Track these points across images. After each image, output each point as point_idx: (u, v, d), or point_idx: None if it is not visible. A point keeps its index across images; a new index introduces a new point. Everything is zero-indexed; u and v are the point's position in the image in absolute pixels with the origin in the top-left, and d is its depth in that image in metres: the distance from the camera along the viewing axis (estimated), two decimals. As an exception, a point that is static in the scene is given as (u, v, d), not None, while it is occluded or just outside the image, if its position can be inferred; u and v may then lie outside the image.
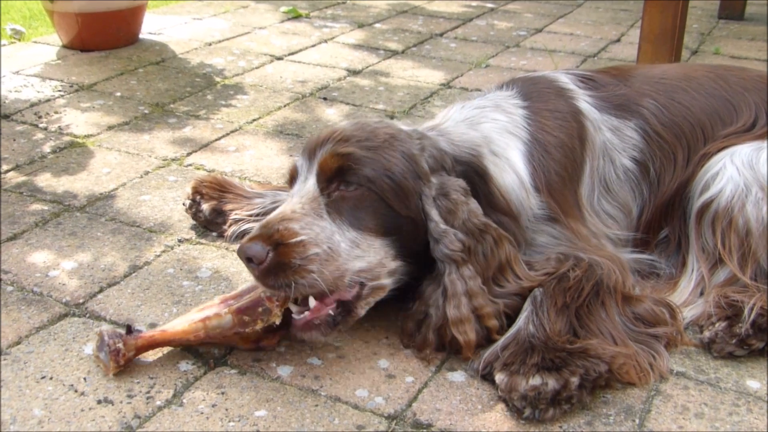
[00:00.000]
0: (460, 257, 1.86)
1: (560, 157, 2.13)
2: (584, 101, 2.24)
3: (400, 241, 1.89)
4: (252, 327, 1.81)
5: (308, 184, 1.89)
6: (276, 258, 1.74)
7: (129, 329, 1.79)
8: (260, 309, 1.81)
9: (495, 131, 2.12)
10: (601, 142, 2.20)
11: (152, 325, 1.98)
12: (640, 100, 2.26)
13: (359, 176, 1.84)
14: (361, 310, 1.88)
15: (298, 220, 1.80)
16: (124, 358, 1.77)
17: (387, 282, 1.90)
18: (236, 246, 2.36)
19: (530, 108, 2.18)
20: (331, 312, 1.82)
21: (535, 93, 2.23)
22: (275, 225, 1.79)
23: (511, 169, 2.06)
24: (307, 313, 1.82)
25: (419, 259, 1.93)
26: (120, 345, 1.75)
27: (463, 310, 1.83)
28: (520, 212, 2.03)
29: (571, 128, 2.17)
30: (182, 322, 1.84)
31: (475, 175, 2.01)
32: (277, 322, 1.82)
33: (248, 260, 1.76)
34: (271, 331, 1.86)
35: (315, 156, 1.90)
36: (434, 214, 1.89)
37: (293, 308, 1.84)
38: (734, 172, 2.06)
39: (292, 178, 1.97)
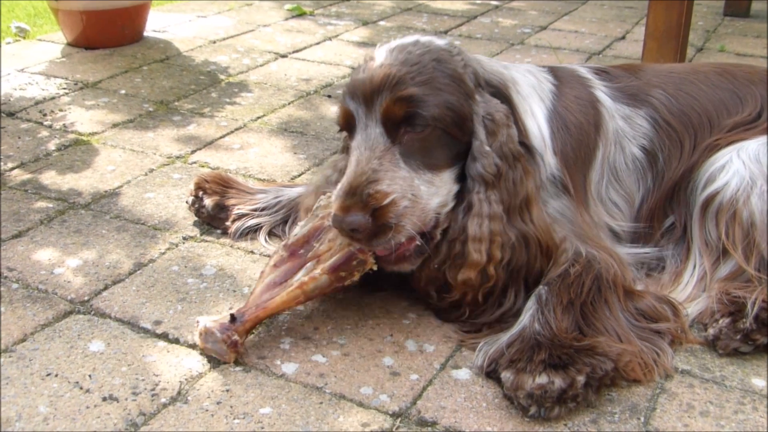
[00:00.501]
0: (492, 179, 1.92)
1: (577, 137, 2.16)
2: (600, 90, 2.29)
3: (460, 165, 1.96)
4: (350, 279, 1.92)
5: (373, 133, 1.89)
6: (375, 222, 1.81)
7: (233, 318, 1.84)
8: (354, 262, 1.91)
9: (524, 82, 2.15)
10: (614, 130, 2.24)
11: (157, 323, 1.99)
12: (651, 91, 2.30)
13: (426, 117, 1.87)
14: (438, 235, 1.96)
15: (383, 180, 1.84)
16: (242, 346, 1.85)
17: (452, 204, 1.97)
18: (240, 243, 2.39)
19: (558, 87, 2.23)
20: (418, 243, 1.91)
21: (562, 78, 2.28)
22: (365, 189, 1.82)
23: (533, 118, 2.10)
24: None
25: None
26: (235, 337, 1.82)
27: (484, 230, 1.90)
28: (539, 160, 2.05)
29: (589, 114, 2.21)
30: (273, 291, 1.90)
31: (504, 100, 2.03)
32: (375, 268, 1.93)
33: (352, 230, 1.81)
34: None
35: (373, 103, 1.89)
36: (481, 133, 1.94)
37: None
38: (740, 165, 2.08)
39: (349, 125, 1.96)
